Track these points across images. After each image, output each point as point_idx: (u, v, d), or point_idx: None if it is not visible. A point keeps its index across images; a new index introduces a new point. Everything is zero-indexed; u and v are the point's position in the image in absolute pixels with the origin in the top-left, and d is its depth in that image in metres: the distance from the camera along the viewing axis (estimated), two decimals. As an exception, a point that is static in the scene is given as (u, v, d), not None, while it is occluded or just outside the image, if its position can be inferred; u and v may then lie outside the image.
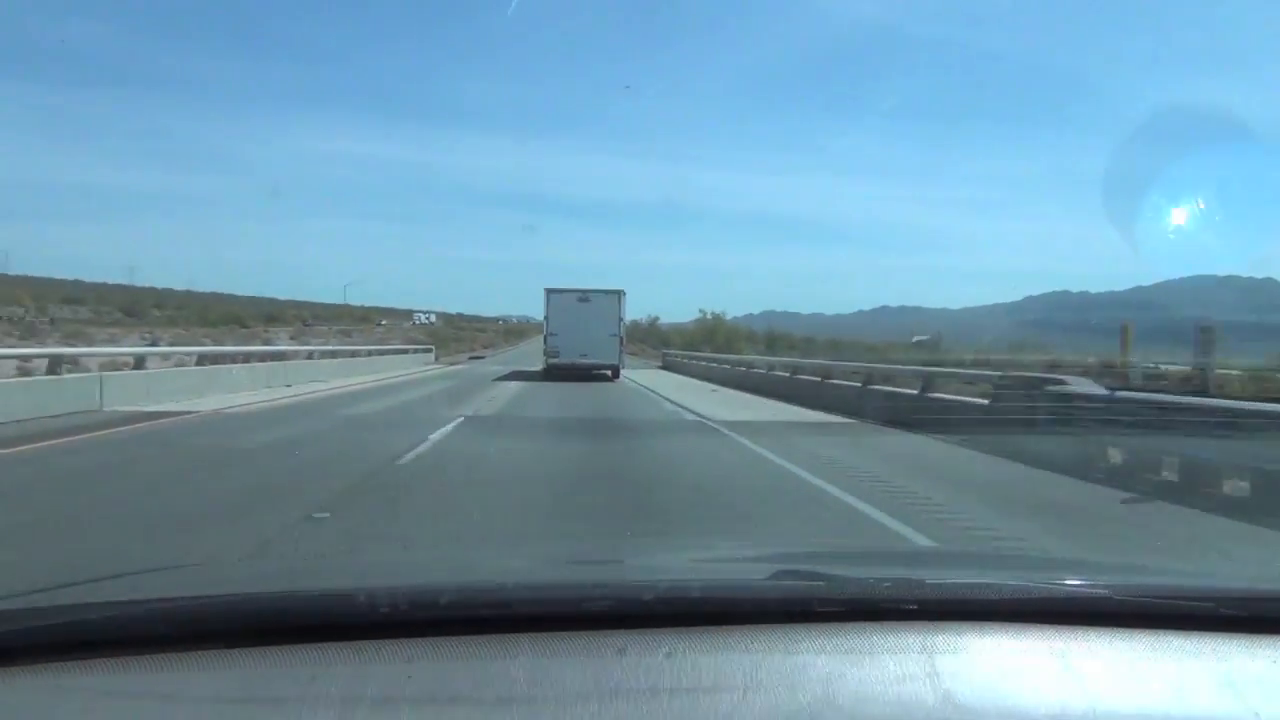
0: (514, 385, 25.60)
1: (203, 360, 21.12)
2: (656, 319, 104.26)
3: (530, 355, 48.16)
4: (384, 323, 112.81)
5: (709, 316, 73.40)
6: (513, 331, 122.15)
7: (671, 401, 20.42)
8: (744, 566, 1.94)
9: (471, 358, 53.99)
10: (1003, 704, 1.11)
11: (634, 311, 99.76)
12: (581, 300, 30.03)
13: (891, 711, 1.08)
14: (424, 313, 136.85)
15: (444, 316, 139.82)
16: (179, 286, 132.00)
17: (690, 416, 16.63)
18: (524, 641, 1.20)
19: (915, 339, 51.03)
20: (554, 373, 29.13)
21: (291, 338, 59.25)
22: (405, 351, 44.92)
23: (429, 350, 49.77)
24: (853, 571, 1.60)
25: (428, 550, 5.46)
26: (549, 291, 30.34)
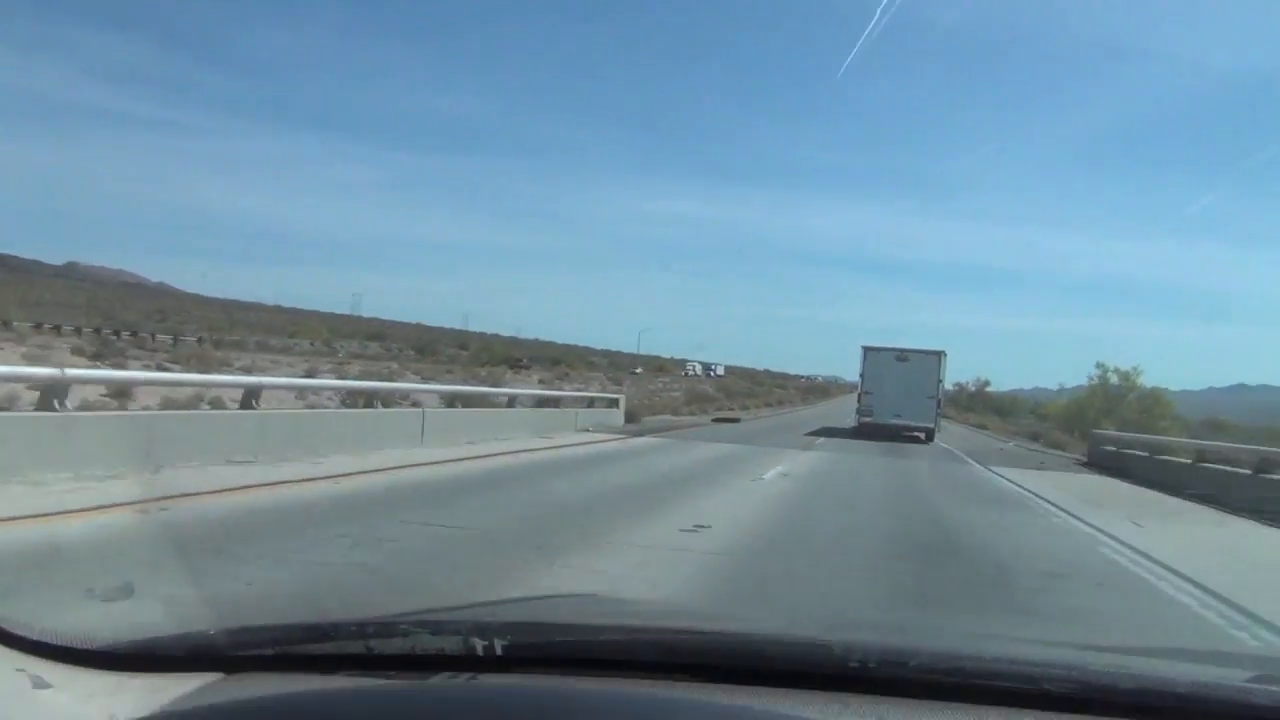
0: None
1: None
2: (986, 383, 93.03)
3: (812, 421, 37.68)
4: (638, 370, 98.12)
5: (1112, 377, 45.96)
6: (816, 390, 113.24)
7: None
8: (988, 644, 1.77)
9: (718, 419, 32.96)
10: None
11: (958, 374, 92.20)
12: (899, 359, 29.32)
13: None
14: (703, 363, 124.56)
15: (744, 371, 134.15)
16: (505, 333, 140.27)
17: None
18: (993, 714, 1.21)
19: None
20: (865, 430, 28.48)
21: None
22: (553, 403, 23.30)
23: (614, 403, 26.82)
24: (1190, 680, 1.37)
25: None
26: (866, 349, 29.77)
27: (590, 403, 25.10)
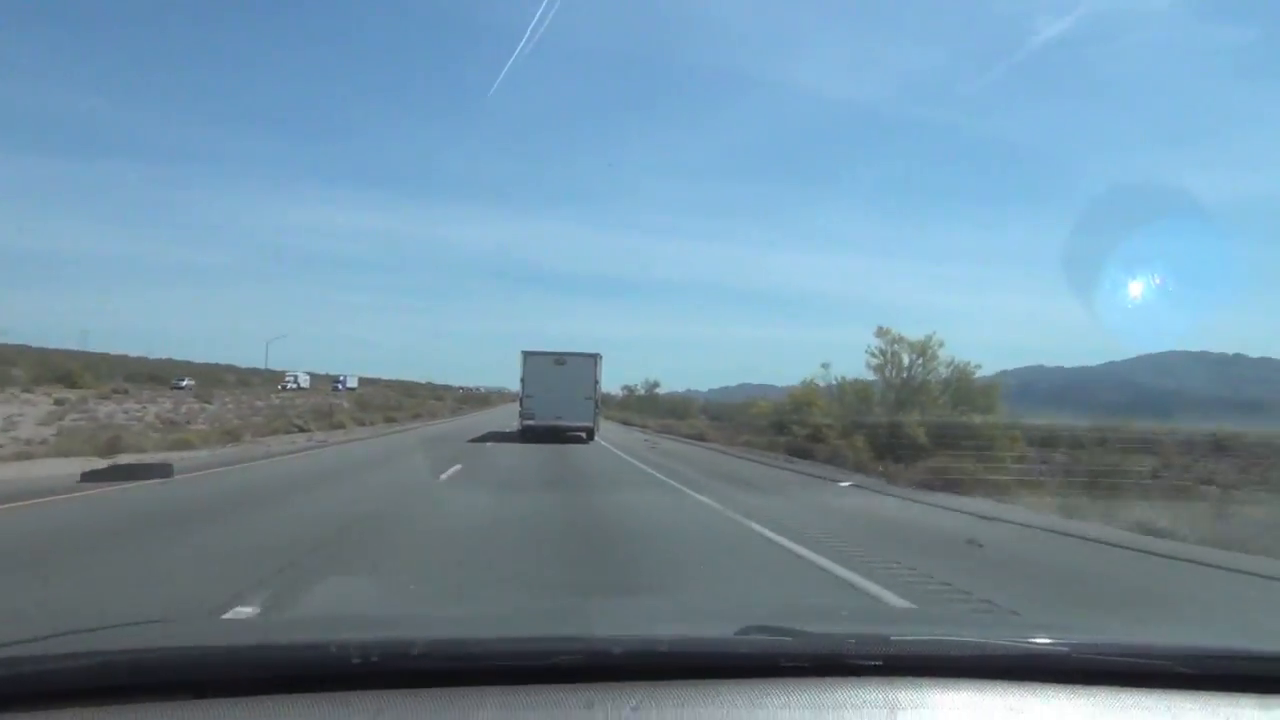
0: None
1: None
2: (656, 384, 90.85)
3: (441, 444, 32.11)
4: (185, 382, 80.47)
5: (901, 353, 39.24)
6: (474, 400, 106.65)
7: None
8: (712, 623, 1.97)
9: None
10: None
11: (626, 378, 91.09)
12: (558, 363, 30.14)
13: None
14: (300, 374, 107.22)
15: (403, 384, 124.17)
16: (134, 352, 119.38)
17: None
18: (493, 694, 1.20)
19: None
20: (530, 434, 29.24)
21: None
22: None
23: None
24: (820, 629, 1.62)
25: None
26: (525, 354, 30.40)
27: None
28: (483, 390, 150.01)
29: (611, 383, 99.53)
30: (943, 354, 28.95)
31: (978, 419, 27.32)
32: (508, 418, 43.31)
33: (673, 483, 16.31)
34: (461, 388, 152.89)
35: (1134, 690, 1.34)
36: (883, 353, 29.61)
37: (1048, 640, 1.55)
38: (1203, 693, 1.35)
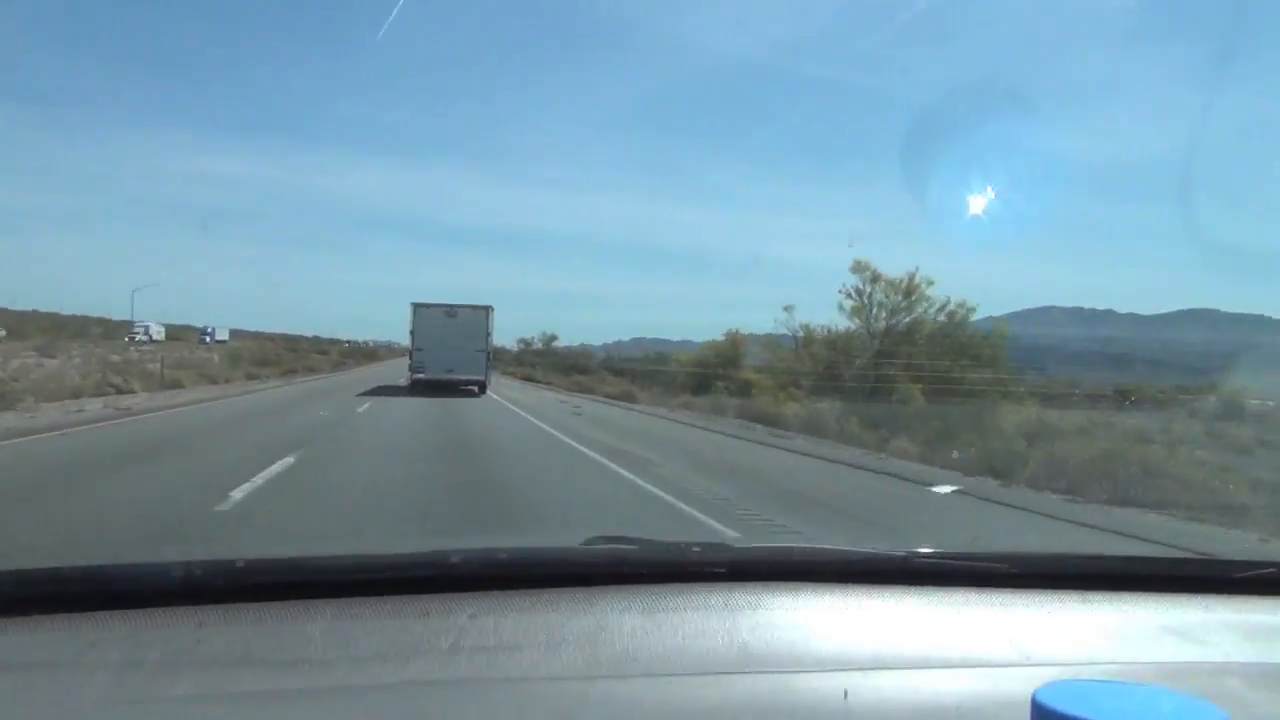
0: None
1: None
2: (554, 338, 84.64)
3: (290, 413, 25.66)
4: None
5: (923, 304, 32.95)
6: (361, 354, 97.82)
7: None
8: (560, 537, 2.10)
9: None
10: (794, 653, 1.14)
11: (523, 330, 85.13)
12: (449, 315, 29.83)
13: (692, 663, 1.10)
14: (146, 324, 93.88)
15: (285, 337, 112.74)
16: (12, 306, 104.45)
17: None
18: (325, 607, 1.20)
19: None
20: (420, 387, 28.68)
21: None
22: None
23: None
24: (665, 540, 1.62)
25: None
26: (415, 306, 29.88)
27: None
28: (373, 344, 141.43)
29: (506, 336, 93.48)
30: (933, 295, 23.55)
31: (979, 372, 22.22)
32: (395, 373, 39.60)
33: (697, 514, 8.53)
34: (349, 341, 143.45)
35: (966, 590, 1.41)
36: (859, 292, 24.04)
37: (885, 548, 1.58)
38: (1031, 591, 1.43)
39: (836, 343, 24.46)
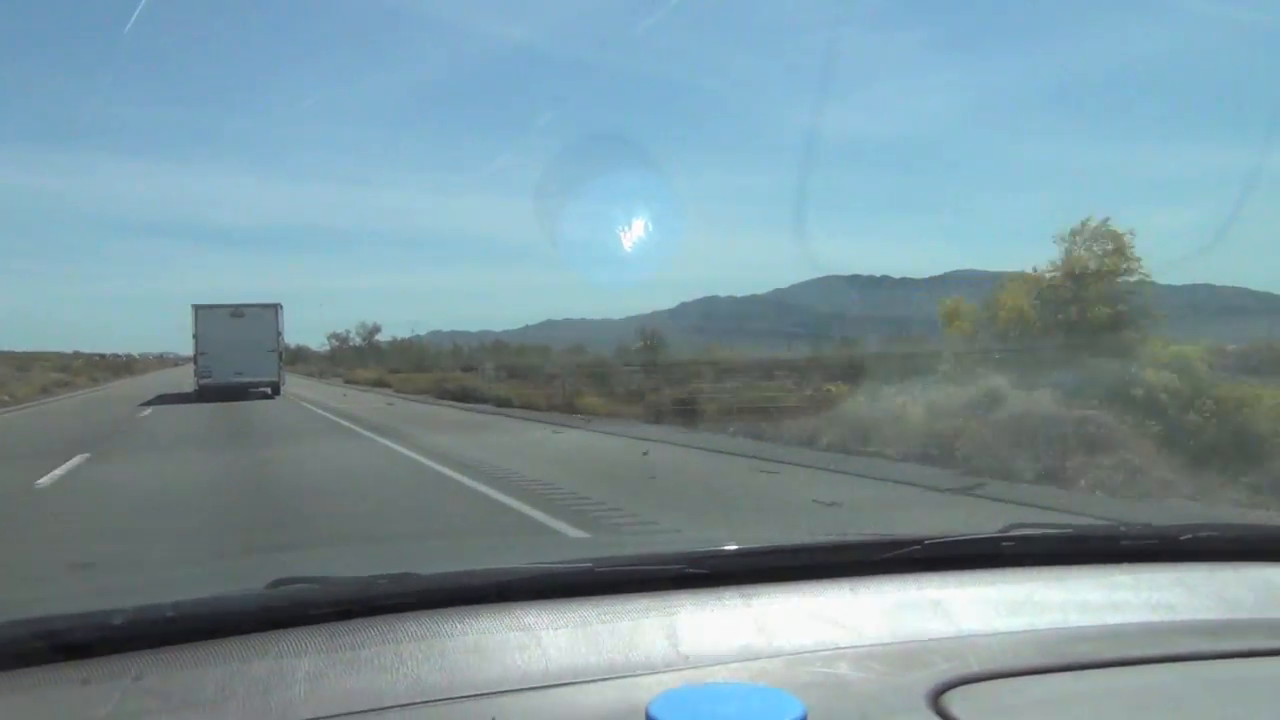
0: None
1: None
2: (377, 329, 79.50)
3: None
4: None
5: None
6: (116, 368, 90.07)
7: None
8: (248, 579, 1.70)
9: None
10: (467, 679, 1.12)
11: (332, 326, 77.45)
12: (235, 315, 28.83)
13: (367, 701, 1.07)
14: None
15: (21, 356, 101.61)
16: None
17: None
18: None
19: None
20: (208, 394, 27.02)
21: None
22: None
23: None
24: (355, 571, 1.54)
25: None
26: (197, 308, 28.84)
27: None
28: (155, 357, 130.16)
29: (311, 336, 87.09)
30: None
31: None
32: (155, 389, 35.88)
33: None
34: (124, 355, 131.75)
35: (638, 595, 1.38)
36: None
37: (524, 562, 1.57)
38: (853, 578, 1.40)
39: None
